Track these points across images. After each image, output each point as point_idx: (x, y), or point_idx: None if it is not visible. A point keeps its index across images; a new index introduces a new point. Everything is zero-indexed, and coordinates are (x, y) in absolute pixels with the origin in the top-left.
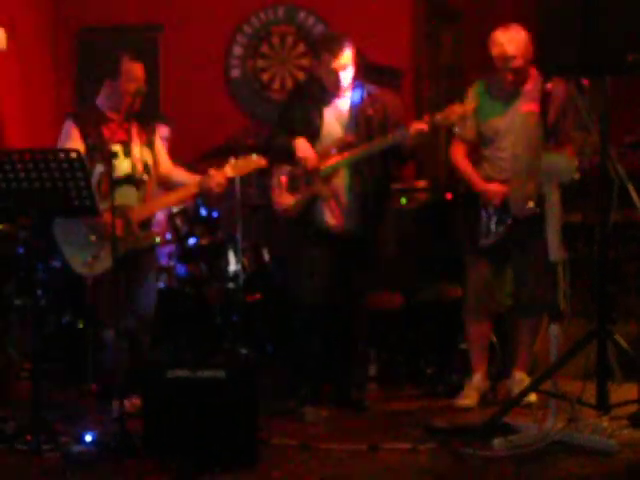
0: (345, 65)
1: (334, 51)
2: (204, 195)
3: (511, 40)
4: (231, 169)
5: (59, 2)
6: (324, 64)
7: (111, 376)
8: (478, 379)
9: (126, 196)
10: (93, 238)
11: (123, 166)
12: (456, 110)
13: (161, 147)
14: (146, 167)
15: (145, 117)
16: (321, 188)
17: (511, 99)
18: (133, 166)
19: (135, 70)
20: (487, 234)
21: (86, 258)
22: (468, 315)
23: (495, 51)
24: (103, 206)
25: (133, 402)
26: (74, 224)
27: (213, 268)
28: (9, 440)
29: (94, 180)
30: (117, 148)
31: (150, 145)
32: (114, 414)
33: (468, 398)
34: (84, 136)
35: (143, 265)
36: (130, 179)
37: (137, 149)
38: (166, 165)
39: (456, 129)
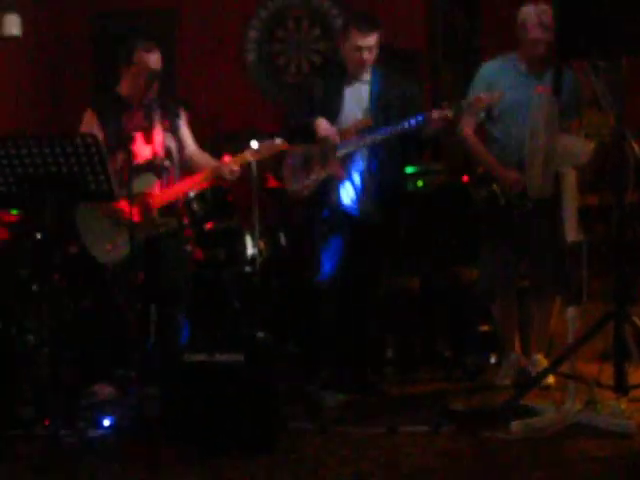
0: (370, 46)
1: (363, 29)
2: (219, 181)
3: (545, 12)
4: (251, 154)
5: None
6: (351, 40)
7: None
8: (514, 357)
9: (146, 183)
10: (111, 225)
11: (143, 153)
12: (483, 99)
13: (186, 132)
14: (168, 153)
15: (169, 101)
16: (336, 170)
17: (526, 78)
18: (154, 152)
19: (147, 61)
20: (506, 219)
21: (105, 246)
22: (487, 295)
23: (533, 19)
24: (124, 193)
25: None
26: (94, 212)
27: (230, 252)
28: (27, 425)
29: (116, 167)
30: (137, 135)
31: (174, 130)
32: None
33: (506, 378)
34: (103, 124)
35: (165, 251)
36: (150, 166)
37: (159, 135)
38: (190, 150)
39: (482, 114)
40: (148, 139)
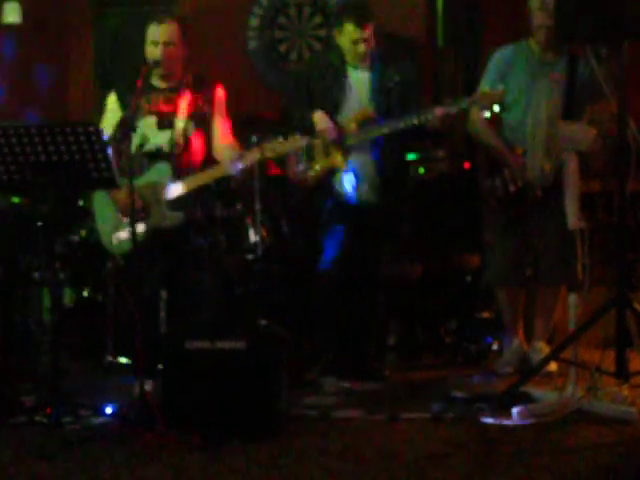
0: (367, 37)
1: (358, 21)
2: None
3: None
4: (270, 151)
5: None
6: (346, 34)
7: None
8: (517, 344)
9: (160, 172)
10: (120, 216)
11: (155, 139)
12: (487, 96)
13: (218, 123)
14: (187, 142)
15: (202, 86)
16: (339, 160)
17: (539, 65)
18: (171, 139)
19: (154, 33)
20: (515, 205)
21: (116, 235)
22: (497, 282)
23: (537, 4)
24: (137, 182)
25: None
26: (107, 201)
27: (232, 239)
28: (29, 413)
29: (128, 153)
30: (150, 120)
31: (200, 119)
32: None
33: (508, 365)
34: (123, 107)
35: (175, 244)
36: (159, 153)
37: (181, 122)
38: (215, 144)
39: (486, 114)
40: (163, 125)
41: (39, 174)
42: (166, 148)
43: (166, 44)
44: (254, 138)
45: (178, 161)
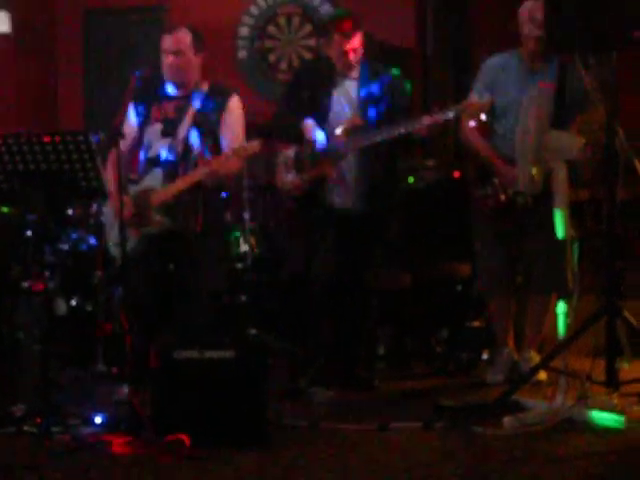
0: (356, 46)
1: (345, 32)
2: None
3: (537, 8)
4: (235, 154)
5: None
6: (335, 44)
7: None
8: (506, 353)
9: (153, 178)
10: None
11: (156, 146)
12: (474, 106)
13: (226, 130)
14: (187, 149)
15: (215, 94)
16: (327, 169)
17: (529, 74)
18: (171, 147)
19: (163, 42)
20: (506, 214)
21: (115, 239)
22: (488, 291)
23: (525, 15)
24: (134, 189)
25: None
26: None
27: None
28: (18, 423)
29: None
30: (157, 127)
31: (206, 127)
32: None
33: (498, 374)
34: (138, 116)
35: (173, 254)
36: (159, 161)
37: (184, 129)
38: (223, 150)
39: (471, 122)
40: (166, 132)
41: (28, 183)
42: (166, 155)
43: (175, 53)
44: None
45: (175, 168)
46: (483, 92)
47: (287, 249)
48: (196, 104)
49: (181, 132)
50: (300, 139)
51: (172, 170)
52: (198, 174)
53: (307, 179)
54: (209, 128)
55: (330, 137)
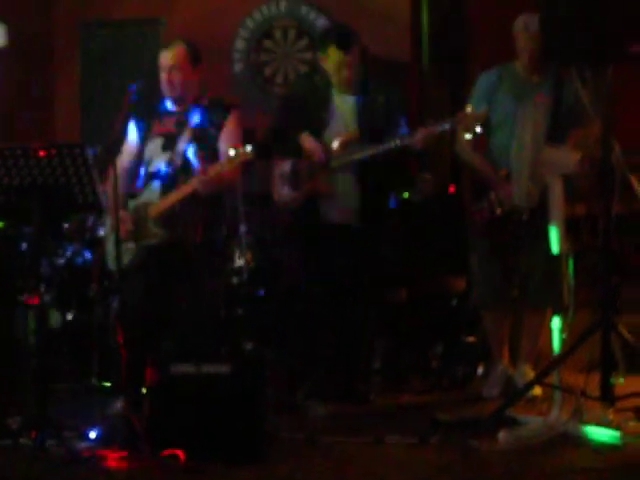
0: (352, 60)
1: (342, 46)
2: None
3: (533, 21)
4: (229, 163)
5: None
6: (331, 58)
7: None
8: (502, 368)
9: (151, 192)
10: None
11: (157, 161)
12: (470, 117)
13: (224, 144)
14: (185, 163)
15: (212, 108)
16: (323, 182)
17: (524, 87)
18: (170, 161)
19: (161, 58)
20: (501, 228)
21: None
22: (483, 306)
23: (519, 29)
24: (133, 202)
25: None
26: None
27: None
28: (14, 436)
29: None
30: (157, 142)
31: (204, 141)
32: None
33: (494, 388)
34: (138, 131)
35: (172, 266)
36: (158, 174)
37: (183, 143)
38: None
39: (467, 135)
40: (165, 146)
41: (24, 197)
42: (164, 169)
43: (172, 69)
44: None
45: (174, 181)
46: (479, 104)
47: (284, 262)
48: (195, 119)
49: (180, 146)
50: (297, 153)
51: (170, 183)
52: (193, 185)
53: (303, 192)
54: (208, 143)
55: (326, 150)
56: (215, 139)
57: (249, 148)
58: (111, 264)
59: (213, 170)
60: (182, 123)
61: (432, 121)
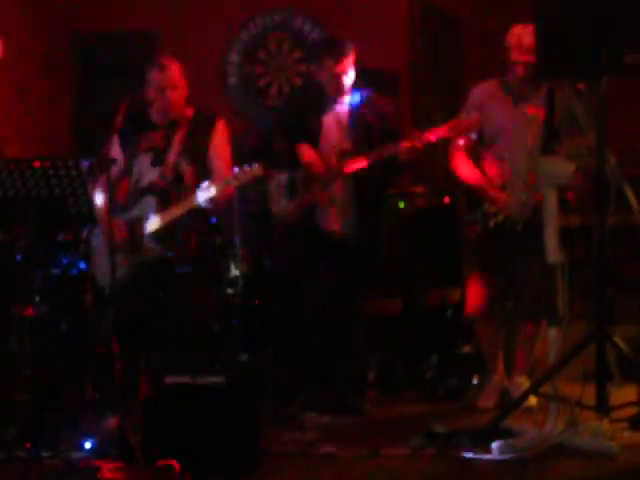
0: (347, 70)
1: (336, 56)
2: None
3: (530, 33)
4: (235, 180)
5: (54, 9)
6: (325, 69)
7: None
8: (497, 380)
9: (145, 207)
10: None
11: (149, 175)
12: (462, 123)
13: (214, 156)
14: (177, 177)
15: (200, 121)
16: (320, 194)
17: (518, 100)
18: (162, 175)
19: (152, 77)
20: (496, 240)
21: (103, 268)
22: (477, 316)
23: (512, 41)
24: (125, 217)
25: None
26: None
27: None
28: (9, 447)
29: (127, 190)
30: (147, 157)
31: (194, 154)
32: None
33: (489, 399)
34: (124, 145)
35: (163, 281)
36: (152, 189)
37: (173, 157)
38: (212, 177)
39: (460, 141)
40: (159, 161)
41: (18, 209)
42: (157, 184)
43: (171, 88)
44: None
45: (168, 195)
46: (471, 112)
47: (278, 274)
48: (182, 131)
49: (170, 160)
50: (293, 165)
51: (165, 198)
52: (195, 200)
53: (301, 203)
54: (197, 154)
55: (322, 162)
56: (204, 149)
57: (257, 166)
58: (100, 279)
59: (218, 188)
60: (169, 137)
61: (418, 133)
